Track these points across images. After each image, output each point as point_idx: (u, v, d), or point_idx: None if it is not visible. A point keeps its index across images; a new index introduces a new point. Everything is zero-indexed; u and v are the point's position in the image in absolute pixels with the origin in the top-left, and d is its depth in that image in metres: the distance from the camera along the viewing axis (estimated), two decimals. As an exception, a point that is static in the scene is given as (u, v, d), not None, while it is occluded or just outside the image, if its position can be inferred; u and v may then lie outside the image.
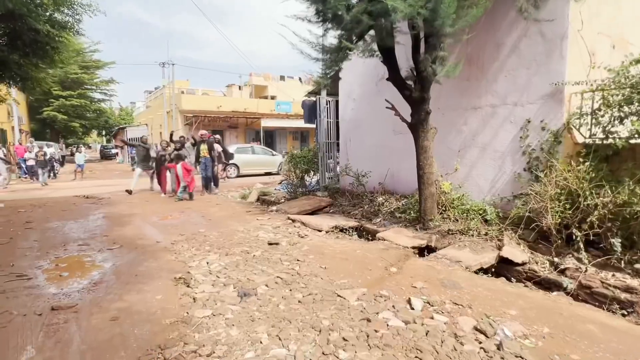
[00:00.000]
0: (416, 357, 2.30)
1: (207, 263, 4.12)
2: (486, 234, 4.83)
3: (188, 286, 3.45)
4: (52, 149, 16.56)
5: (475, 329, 2.67)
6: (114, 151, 36.31)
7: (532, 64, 5.04)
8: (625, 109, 4.02)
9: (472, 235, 4.87)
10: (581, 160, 4.24)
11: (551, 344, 2.47)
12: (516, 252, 4.20)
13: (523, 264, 4.11)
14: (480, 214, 5.26)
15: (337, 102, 8.87)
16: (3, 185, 11.74)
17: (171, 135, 10.26)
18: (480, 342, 2.49)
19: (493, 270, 4.22)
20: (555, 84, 4.74)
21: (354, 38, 5.42)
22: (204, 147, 10.03)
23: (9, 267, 4.01)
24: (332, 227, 5.87)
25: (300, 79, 33.27)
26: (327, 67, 5.64)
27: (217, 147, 10.46)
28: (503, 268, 4.21)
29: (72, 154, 24.31)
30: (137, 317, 2.85)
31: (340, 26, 5.26)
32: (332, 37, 5.64)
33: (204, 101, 23.30)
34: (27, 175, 15.67)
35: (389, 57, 5.33)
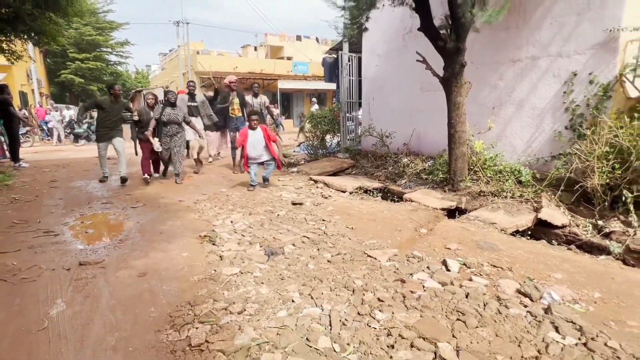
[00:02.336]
0: (458, 319, 2.16)
1: (232, 222, 4.03)
2: (521, 196, 4.57)
3: (214, 244, 3.37)
4: (72, 112, 16.63)
5: (519, 292, 2.50)
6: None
7: (583, 9, 4.51)
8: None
9: (506, 197, 4.62)
10: (636, 115, 3.85)
11: (604, 309, 2.29)
12: (556, 214, 3.95)
13: (563, 226, 3.86)
14: (514, 175, 4.97)
15: (359, 58, 8.41)
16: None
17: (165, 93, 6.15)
18: (525, 306, 2.33)
19: (529, 233, 4.00)
20: (610, 31, 4.25)
21: (383, -17, 4.97)
22: (235, 101, 7.17)
23: (36, 223, 4.01)
24: (356, 188, 5.70)
25: (317, 38, 32.03)
26: (353, 17, 5.23)
27: (274, 110, 8.13)
28: (540, 231, 3.98)
29: (92, 117, 24.50)
30: (165, 273, 2.79)
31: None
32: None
33: (220, 62, 22.80)
34: (49, 137, 15.93)
35: (421, 2, 4.87)
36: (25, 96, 17.87)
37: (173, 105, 5.99)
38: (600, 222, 3.75)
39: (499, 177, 5.03)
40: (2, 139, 8.49)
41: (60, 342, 1.96)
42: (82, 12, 8.35)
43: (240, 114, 7.18)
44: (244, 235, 3.61)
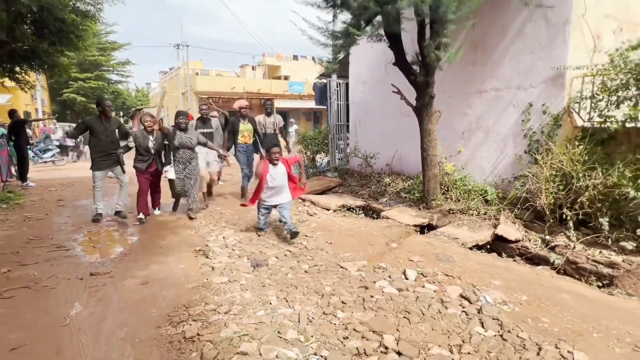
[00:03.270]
0: (404, 317, 2.65)
1: (223, 238, 4.52)
2: (485, 214, 5.09)
3: (207, 257, 3.85)
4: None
5: (461, 296, 3.00)
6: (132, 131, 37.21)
7: (535, 48, 5.14)
8: (621, 93, 4.15)
9: (472, 215, 5.14)
10: (577, 143, 4.41)
11: (526, 309, 2.78)
12: (510, 230, 4.47)
13: (516, 241, 4.38)
14: (481, 195, 5.50)
15: (347, 84, 9.05)
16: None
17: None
18: (463, 307, 2.82)
19: (489, 246, 4.51)
20: (557, 69, 4.86)
21: (362, 23, 5.58)
22: (245, 128, 6.42)
23: (49, 240, 4.50)
24: (340, 206, 6.21)
25: (313, 58, 33.06)
26: (336, 53, 5.84)
27: (278, 120, 7.06)
28: (498, 245, 4.50)
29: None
30: (164, 282, 3.27)
31: (348, 12, 5.44)
32: (341, 22, 5.83)
33: (218, 82, 23.60)
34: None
35: (395, 42, 5.49)
36: (29, 115, 18.48)
37: (185, 129, 5.35)
38: (548, 237, 4.27)
39: (468, 195, 5.56)
40: (12, 160, 9.02)
41: (80, 335, 2.44)
42: (91, 44, 8.97)
43: (251, 141, 6.55)
44: (233, 250, 4.10)
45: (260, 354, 2.22)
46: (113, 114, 5.53)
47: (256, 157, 6.59)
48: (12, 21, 4.60)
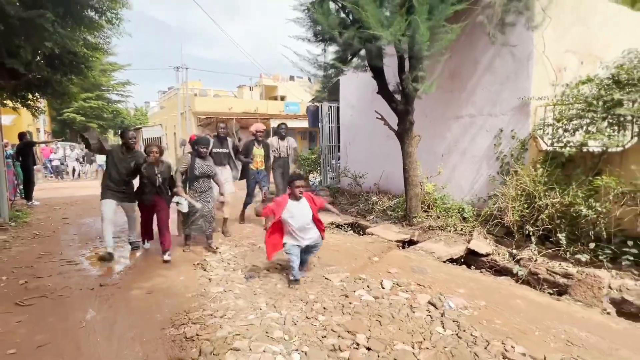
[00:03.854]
0: (377, 320, 3.06)
1: (220, 253, 4.92)
2: (461, 230, 5.54)
3: (205, 270, 4.26)
4: (77, 150, 17.65)
5: (429, 302, 3.41)
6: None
7: (504, 80, 5.71)
8: (575, 122, 4.67)
9: (450, 231, 5.58)
10: (539, 166, 4.91)
11: (484, 313, 3.20)
12: (482, 245, 4.91)
13: (487, 255, 4.81)
14: (459, 212, 5.96)
15: (338, 108, 9.61)
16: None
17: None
18: (429, 312, 3.23)
19: (462, 260, 4.94)
20: (522, 99, 5.41)
21: (349, 56, 6.16)
22: (259, 153, 6.25)
23: (59, 255, 4.88)
24: (329, 224, 6.63)
25: (309, 78, 34.02)
26: (324, 83, 6.40)
27: (291, 143, 6.71)
28: (470, 259, 4.92)
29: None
30: (166, 292, 3.66)
31: (335, 46, 6.01)
32: (329, 55, 6.41)
33: (216, 103, 24.25)
34: (52, 175, 16.88)
35: (378, 74, 6.05)
36: (31, 135, 18.95)
37: (205, 157, 4.98)
38: (514, 251, 4.71)
39: (447, 213, 6.01)
40: (17, 180, 9.42)
41: (96, 335, 2.82)
42: (99, 74, 9.53)
43: (263, 167, 6.31)
44: (229, 263, 4.50)
45: (250, 349, 2.62)
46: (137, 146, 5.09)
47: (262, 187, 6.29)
48: (31, 56, 5.09)
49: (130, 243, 5.21)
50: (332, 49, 6.22)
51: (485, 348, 2.64)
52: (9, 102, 7.46)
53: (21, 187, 9.15)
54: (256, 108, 24.55)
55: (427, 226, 5.85)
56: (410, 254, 4.85)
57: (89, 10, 4.95)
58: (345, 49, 5.84)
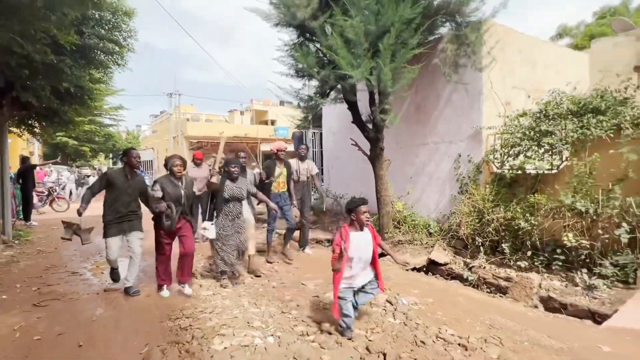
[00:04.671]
0: (340, 313, 3.68)
1: (210, 264, 5.51)
2: (427, 243, 6.23)
3: (195, 277, 4.84)
4: (68, 174, 18.09)
5: (386, 300, 4.05)
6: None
7: (460, 113, 6.56)
8: (516, 148, 5.49)
9: (416, 244, 6.26)
10: (488, 186, 5.68)
11: (429, 307, 3.86)
12: (441, 255, 5.60)
13: (445, 264, 5.50)
14: (425, 228, 6.67)
15: (321, 134, 10.42)
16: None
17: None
18: (385, 307, 3.87)
19: (425, 269, 5.60)
20: (475, 128, 6.24)
21: (327, 90, 6.99)
22: (282, 172, 5.73)
23: (63, 267, 5.42)
24: (311, 239, 7.27)
25: (299, 104, 35.21)
26: (305, 113, 7.20)
27: (311, 167, 6.28)
28: (431, 268, 5.60)
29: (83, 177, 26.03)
30: (162, 299, 4.24)
31: (315, 82, 6.85)
32: (310, 87, 7.24)
33: (207, 127, 25.05)
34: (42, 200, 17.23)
35: (352, 105, 6.86)
36: (28, 159, 19.34)
37: (236, 179, 4.53)
38: (468, 260, 5.40)
39: (415, 229, 6.71)
40: (15, 202, 9.90)
41: (105, 327, 3.40)
42: (101, 105, 10.24)
43: (286, 189, 5.78)
44: (217, 273, 5.09)
45: (233, 334, 3.22)
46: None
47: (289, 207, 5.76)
48: (42, 89, 5.77)
49: (127, 289, 4.24)
50: (312, 83, 7.06)
51: (424, 332, 3.29)
52: (14, 129, 8.08)
53: (19, 208, 9.62)
54: (246, 133, 25.38)
55: (397, 240, 6.52)
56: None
57: (100, 54, 5.70)
58: (323, 85, 6.67)
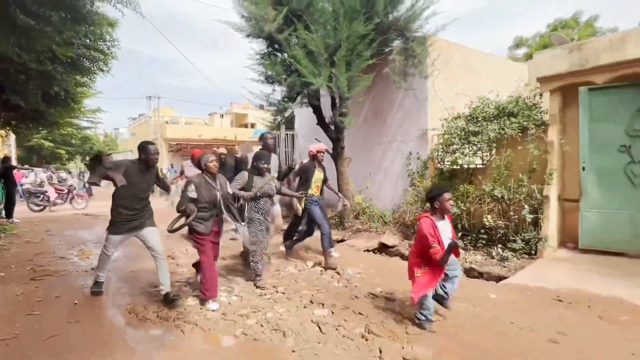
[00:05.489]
0: (294, 280, 4.46)
1: (186, 250, 6.19)
2: (381, 230, 7.08)
3: (173, 259, 5.52)
4: (46, 175, 18.24)
5: (336, 272, 4.85)
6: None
7: (410, 116, 7.48)
8: (452, 146, 6.41)
9: (372, 232, 7.11)
10: (431, 179, 6.59)
11: (369, 275, 4.67)
12: (390, 239, 6.45)
13: (394, 246, 6.35)
14: (382, 217, 7.53)
15: (293, 135, 11.21)
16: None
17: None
18: (332, 276, 4.67)
19: (377, 251, 6.44)
20: (422, 130, 7.16)
21: (294, 95, 7.79)
22: (319, 177, 5.41)
23: (51, 254, 5.99)
24: (281, 230, 8.01)
25: (264, 105, 35.93)
26: (275, 116, 7.98)
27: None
28: (383, 249, 6.44)
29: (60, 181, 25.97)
30: (144, 272, 4.90)
31: (283, 87, 7.64)
32: (279, 92, 8.02)
33: (186, 130, 25.46)
34: (22, 199, 17.34)
35: (316, 109, 7.69)
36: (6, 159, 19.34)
37: (264, 175, 4.37)
38: (412, 242, 6.26)
39: (372, 219, 7.56)
40: (-1, 200, 10.24)
41: (95, 297, 4.06)
42: (83, 107, 10.69)
43: (319, 193, 5.43)
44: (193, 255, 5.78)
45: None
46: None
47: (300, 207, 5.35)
48: (33, 93, 6.35)
49: (166, 296, 3.73)
50: (281, 89, 7.85)
51: (359, 291, 4.10)
52: (0, 131, 8.54)
53: (1, 206, 9.99)
54: (225, 135, 25.92)
55: (356, 229, 7.36)
56: (337, 247, 6.31)
57: (87, 61, 6.32)
58: (290, 90, 7.47)
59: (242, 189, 4.28)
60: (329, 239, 5.17)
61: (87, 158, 4.45)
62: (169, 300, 3.67)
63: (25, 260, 5.50)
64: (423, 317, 3.15)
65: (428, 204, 3.31)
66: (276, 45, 7.52)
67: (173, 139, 23.59)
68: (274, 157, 5.50)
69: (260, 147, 5.52)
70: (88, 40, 5.97)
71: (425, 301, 3.13)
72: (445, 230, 3.18)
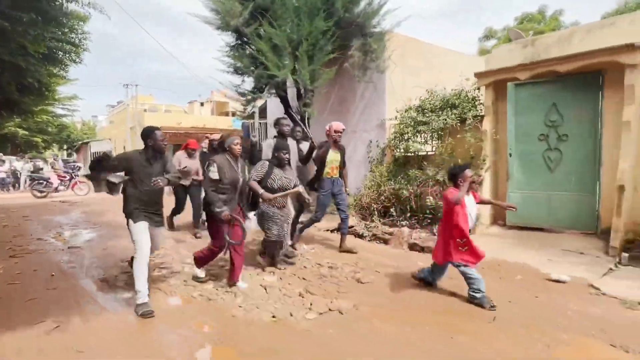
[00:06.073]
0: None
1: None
2: (343, 213, 7.66)
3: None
4: (21, 164, 18.17)
5: (292, 247, 5.41)
6: (78, 164, 37.28)
7: (370, 106, 8.03)
8: (405, 135, 7.00)
9: (334, 214, 7.67)
10: (384, 165, 7.18)
11: (323, 251, 5.26)
12: (349, 220, 7.04)
13: (352, 227, 6.94)
14: (344, 202, 8.10)
15: (266, 124, 11.65)
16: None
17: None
18: (296, 249, 5.23)
19: (336, 230, 7.03)
20: (381, 120, 7.73)
21: (262, 86, 8.22)
22: (335, 158, 5.29)
23: (29, 236, 6.36)
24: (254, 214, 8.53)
25: (235, 93, 35.98)
26: (244, 106, 8.42)
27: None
28: (341, 230, 7.03)
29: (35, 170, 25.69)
30: (117, 250, 5.35)
31: (251, 78, 8.06)
32: (248, 83, 8.43)
33: (165, 118, 25.46)
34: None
35: (284, 99, 8.14)
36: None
37: (284, 166, 4.24)
38: (368, 223, 6.89)
39: (336, 203, 8.13)
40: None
41: (71, 266, 4.52)
42: (59, 94, 10.83)
43: (338, 175, 5.28)
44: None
45: (170, 267, 4.45)
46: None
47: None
48: (7, 83, 6.60)
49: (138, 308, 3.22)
50: (250, 80, 8.26)
51: (309, 262, 4.68)
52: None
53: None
54: (204, 124, 26.03)
55: (320, 212, 7.92)
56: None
57: (59, 52, 6.59)
58: (258, 82, 7.90)
59: (259, 181, 4.06)
60: (311, 224, 5.31)
61: (88, 168, 3.78)
62: (142, 312, 3.17)
63: (3, 242, 5.87)
64: (479, 293, 3.24)
65: (451, 182, 3.48)
66: (244, 39, 7.90)
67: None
68: (291, 143, 5.20)
69: (276, 134, 5.19)
70: (60, 33, 6.22)
71: (475, 274, 3.28)
72: (470, 204, 3.40)
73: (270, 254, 4.42)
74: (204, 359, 2.60)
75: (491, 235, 5.53)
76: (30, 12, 4.09)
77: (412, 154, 7.03)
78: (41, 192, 12.85)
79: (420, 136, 6.72)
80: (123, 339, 2.81)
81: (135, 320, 3.12)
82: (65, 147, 43.02)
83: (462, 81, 6.55)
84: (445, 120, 6.11)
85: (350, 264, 4.57)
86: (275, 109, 10.75)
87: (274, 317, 3.13)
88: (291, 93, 8.07)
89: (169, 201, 4.72)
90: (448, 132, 6.18)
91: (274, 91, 8.20)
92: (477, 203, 3.61)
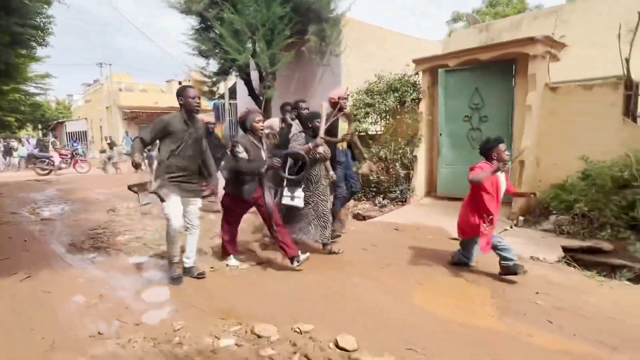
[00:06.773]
0: (210, 223, 5.63)
1: (126, 206, 7.18)
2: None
3: (114, 212, 6.53)
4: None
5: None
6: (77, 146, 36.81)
7: (329, 88, 8.52)
8: (359, 116, 7.61)
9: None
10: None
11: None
12: (305, 194, 7.71)
13: (308, 200, 7.61)
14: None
15: (236, 104, 12.07)
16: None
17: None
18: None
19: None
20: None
21: (226, 68, 8.64)
22: (344, 128, 4.81)
23: (5, 210, 6.82)
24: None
25: (236, 76, 35.74)
26: (210, 87, 8.86)
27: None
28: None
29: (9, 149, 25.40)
30: (89, 221, 5.89)
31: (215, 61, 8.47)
32: (213, 65, 8.82)
33: (142, 97, 25.34)
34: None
35: (247, 81, 8.61)
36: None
37: (316, 136, 3.97)
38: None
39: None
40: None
41: (44, 233, 5.06)
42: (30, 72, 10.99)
43: (347, 147, 4.85)
44: (130, 209, 6.80)
45: (132, 232, 5.05)
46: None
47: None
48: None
49: (187, 270, 3.48)
50: (214, 62, 8.67)
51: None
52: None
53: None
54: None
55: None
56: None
57: (26, 37, 6.85)
58: (222, 64, 8.32)
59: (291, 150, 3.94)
60: (343, 202, 4.74)
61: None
62: (192, 275, 3.43)
63: (-20, 216, 6.33)
64: (510, 260, 3.24)
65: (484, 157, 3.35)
66: (207, 23, 8.26)
67: (127, 106, 23.52)
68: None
69: (295, 115, 4.84)
70: (24, 18, 6.47)
71: (503, 243, 3.30)
72: (501, 178, 3.29)
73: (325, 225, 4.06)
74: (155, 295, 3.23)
75: (422, 205, 6.29)
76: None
77: (364, 134, 7.66)
78: (44, 170, 13.29)
79: (370, 117, 7.35)
80: (85, 284, 3.42)
81: (100, 273, 3.72)
82: (40, 126, 42.07)
83: (404, 67, 7.14)
84: (387, 102, 6.74)
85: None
86: (242, 90, 11.18)
87: (212, 268, 3.79)
88: (254, 75, 8.53)
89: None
90: (391, 113, 6.82)
91: (237, 74, 8.65)
92: (508, 194, 3.58)
